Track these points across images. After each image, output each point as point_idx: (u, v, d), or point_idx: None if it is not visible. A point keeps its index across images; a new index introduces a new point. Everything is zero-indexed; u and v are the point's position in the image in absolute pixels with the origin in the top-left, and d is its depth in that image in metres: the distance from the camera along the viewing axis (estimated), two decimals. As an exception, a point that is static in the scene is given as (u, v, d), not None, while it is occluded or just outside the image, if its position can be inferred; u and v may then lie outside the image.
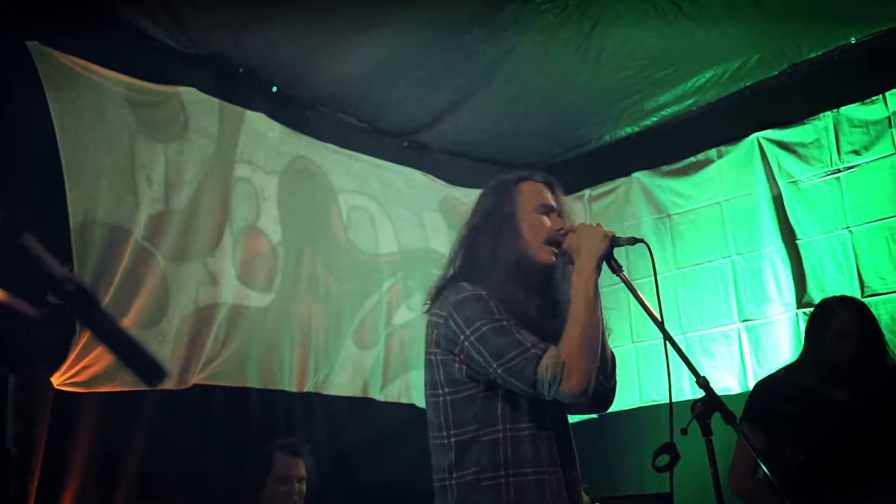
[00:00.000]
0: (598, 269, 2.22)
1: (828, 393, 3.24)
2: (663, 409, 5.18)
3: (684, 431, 1.99)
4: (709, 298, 5.39)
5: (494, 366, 2.13)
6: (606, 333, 2.38)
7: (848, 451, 3.09)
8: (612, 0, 4.35)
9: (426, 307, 2.37)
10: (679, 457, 2.01)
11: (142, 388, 3.97)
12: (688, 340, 5.38)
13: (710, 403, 2.00)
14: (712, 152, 5.50)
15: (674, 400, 2.14)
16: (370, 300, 5.17)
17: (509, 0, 4.31)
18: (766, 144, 5.22)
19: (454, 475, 2.18)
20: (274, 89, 4.98)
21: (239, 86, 4.78)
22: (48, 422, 3.63)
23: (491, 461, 2.16)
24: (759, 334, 5.10)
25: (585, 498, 4.91)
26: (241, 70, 4.78)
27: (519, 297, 2.25)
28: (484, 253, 2.32)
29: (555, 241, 2.31)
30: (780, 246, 5.06)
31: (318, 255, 4.95)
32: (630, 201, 5.85)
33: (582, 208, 6.07)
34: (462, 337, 2.18)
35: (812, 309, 4.72)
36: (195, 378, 4.23)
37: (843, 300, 3.44)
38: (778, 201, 5.11)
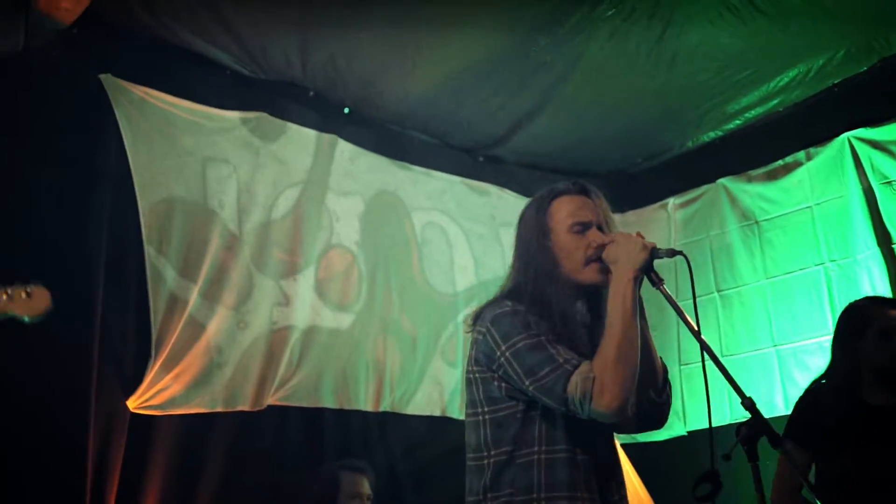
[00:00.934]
0: (637, 282, 2.10)
1: (871, 399, 3.04)
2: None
3: (727, 457, 1.85)
4: (802, 309, 5.12)
5: (527, 383, 2.06)
6: (653, 344, 2.26)
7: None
8: (681, 1, 4.20)
9: (467, 326, 2.30)
10: (721, 486, 1.86)
11: (217, 409, 4.05)
12: (780, 354, 5.12)
13: (757, 426, 1.86)
14: (800, 154, 5.24)
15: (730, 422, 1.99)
16: (449, 324, 5.14)
17: (574, 8, 4.22)
18: (857, 144, 4.93)
19: (488, 496, 2.11)
20: (346, 111, 5.01)
21: (310, 109, 4.83)
22: (125, 445, 3.71)
23: (525, 483, 2.09)
24: (858, 345, 4.80)
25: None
26: (311, 93, 4.83)
27: (563, 315, 2.17)
28: (526, 279, 2.25)
29: (597, 258, 2.21)
30: (876, 251, 4.76)
31: (392, 282, 4.93)
32: (716, 209, 5.63)
33: (666, 217, 5.88)
34: (498, 353, 2.12)
35: None
36: (270, 399, 4.26)
37: (877, 300, 3.26)
38: (872, 204, 4.81)
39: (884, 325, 3.05)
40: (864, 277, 4.79)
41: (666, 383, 2.28)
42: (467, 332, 2.31)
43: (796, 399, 3.23)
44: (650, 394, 2.23)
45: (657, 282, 2.13)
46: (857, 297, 4.74)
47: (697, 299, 2.20)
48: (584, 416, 2.00)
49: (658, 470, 4.99)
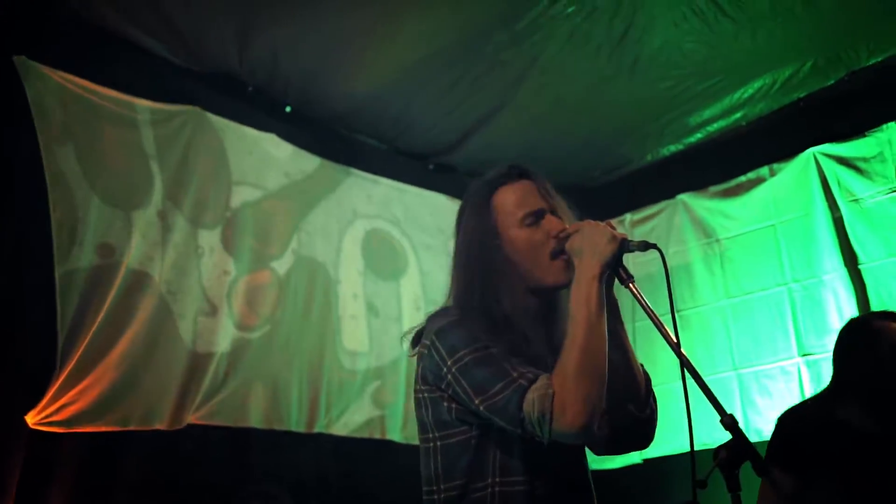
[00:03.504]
0: (603, 279, 1.78)
1: (868, 426, 2.73)
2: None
3: (702, 484, 1.54)
4: (764, 330, 4.89)
5: (477, 402, 1.73)
6: (632, 350, 1.92)
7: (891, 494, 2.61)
8: (644, 1, 3.96)
9: (409, 345, 1.97)
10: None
11: (130, 427, 3.67)
12: (741, 377, 4.88)
13: (739, 449, 1.55)
14: (764, 170, 5.03)
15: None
16: (391, 340, 4.80)
17: (532, 3, 3.96)
18: (822, 160, 4.74)
19: None
20: (287, 109, 4.69)
21: (248, 105, 4.50)
22: (20, 464, 3.31)
23: None
24: (822, 370, 4.55)
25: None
26: (250, 88, 4.51)
27: (520, 326, 1.85)
28: (472, 290, 1.90)
29: (561, 251, 1.88)
30: (843, 271, 4.55)
31: (330, 294, 4.60)
32: (675, 225, 5.39)
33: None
34: (444, 369, 1.79)
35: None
36: (191, 418, 3.88)
37: (887, 314, 2.92)
38: (838, 222, 4.62)
39: (891, 342, 2.75)
40: (830, 299, 4.58)
41: (649, 395, 1.94)
42: (411, 356, 1.96)
43: (776, 420, 2.94)
44: (630, 408, 1.90)
45: (626, 279, 1.81)
46: (822, 319, 4.58)
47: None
48: (544, 438, 1.67)
49: (613, 499, 4.68)
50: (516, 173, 1.99)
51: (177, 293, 3.96)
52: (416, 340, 1.94)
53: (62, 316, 3.56)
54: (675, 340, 1.71)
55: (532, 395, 1.67)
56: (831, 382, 2.86)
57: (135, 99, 4.07)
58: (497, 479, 1.78)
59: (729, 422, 1.58)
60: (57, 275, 3.59)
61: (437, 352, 1.81)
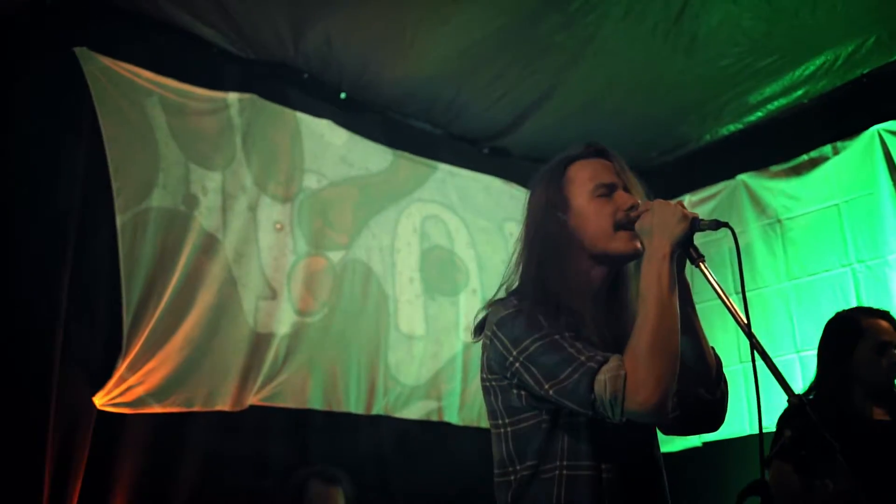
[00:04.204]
0: (674, 258, 1.78)
1: (868, 415, 2.83)
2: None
3: (768, 462, 1.52)
4: (828, 313, 4.74)
5: (546, 387, 1.74)
6: (703, 333, 1.92)
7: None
8: (701, -23, 3.90)
9: (474, 334, 1.99)
10: (772, 498, 1.54)
11: (194, 408, 3.76)
12: (803, 360, 4.79)
13: (806, 429, 1.53)
14: (827, 149, 4.90)
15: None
16: (447, 324, 4.83)
17: (586, -17, 3.93)
18: (887, 137, 4.60)
19: None
20: (342, 95, 4.73)
21: (303, 92, 4.55)
22: (89, 445, 3.41)
23: (544, 501, 1.78)
24: (886, 352, 4.47)
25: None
26: (305, 75, 4.56)
27: (581, 306, 1.85)
28: (531, 266, 1.91)
29: (628, 223, 1.88)
30: (909, 251, 4.44)
31: (387, 278, 4.64)
32: (735, 206, 5.29)
33: (682, 216, 5.55)
34: (510, 359, 1.80)
35: None
36: (252, 399, 3.96)
37: (870, 311, 3.07)
38: (904, 201, 4.50)
39: (877, 340, 2.90)
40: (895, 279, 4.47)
41: (720, 378, 1.94)
42: (475, 341, 1.99)
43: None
44: (700, 391, 1.90)
45: (696, 258, 1.80)
46: (887, 300, 4.47)
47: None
48: (616, 418, 1.68)
49: (671, 483, 4.65)
50: (593, 151, 2.00)
51: (240, 277, 4.03)
52: (479, 329, 1.96)
53: (127, 300, 3.65)
54: (746, 321, 1.69)
55: (603, 377, 1.67)
56: (822, 378, 2.95)
57: (194, 88, 4.14)
58: (564, 463, 1.80)
59: (797, 402, 1.56)
60: (120, 222, 3.68)
61: (501, 342, 1.82)
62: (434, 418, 4.63)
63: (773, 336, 4.92)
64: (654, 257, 1.77)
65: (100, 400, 3.50)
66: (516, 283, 1.96)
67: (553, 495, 1.77)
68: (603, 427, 1.77)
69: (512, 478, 1.84)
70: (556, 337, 1.76)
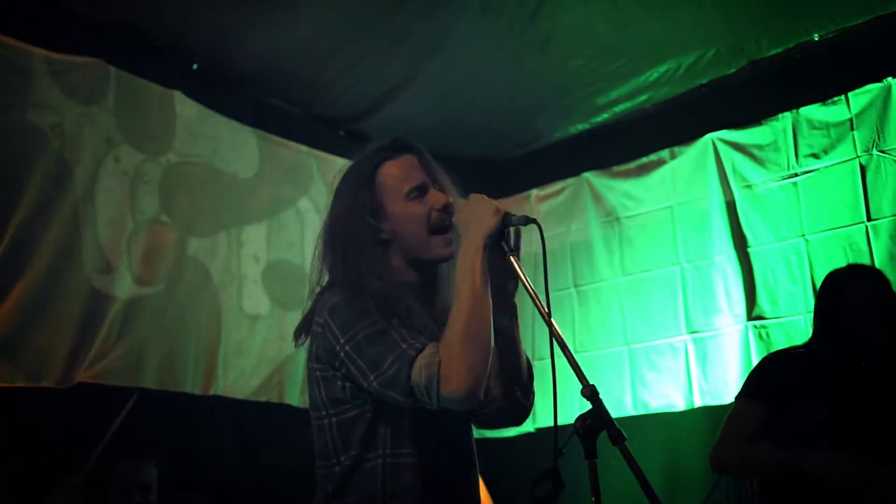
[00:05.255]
0: (486, 249, 1.82)
1: (851, 363, 2.93)
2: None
3: (560, 452, 1.62)
4: (657, 308, 5.06)
5: (371, 378, 1.75)
6: (520, 343, 2.00)
7: (876, 415, 2.81)
8: (557, -22, 4.02)
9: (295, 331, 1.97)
10: (563, 484, 1.63)
11: (15, 384, 3.58)
12: (633, 353, 5.06)
13: (597, 418, 1.62)
14: (665, 153, 5.18)
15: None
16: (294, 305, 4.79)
17: (445, -26, 3.98)
18: (720, 146, 4.91)
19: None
20: (194, 66, 4.59)
21: (153, 60, 4.38)
22: None
23: (368, 491, 1.81)
24: (708, 347, 4.78)
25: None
26: (156, 42, 4.38)
27: (405, 306, 1.86)
28: (347, 270, 1.90)
29: (443, 224, 1.93)
30: (732, 254, 4.75)
31: (232, 257, 4.55)
32: (578, 203, 5.51)
33: (529, 209, 5.71)
34: (338, 347, 1.80)
35: (762, 321, 4.52)
36: (81, 376, 3.80)
37: (856, 269, 3.14)
38: (731, 206, 4.81)
39: (861, 299, 2.93)
40: (719, 280, 4.77)
41: (531, 382, 2.04)
42: (298, 346, 1.95)
43: (758, 361, 3.23)
44: (517, 393, 1.99)
45: (508, 252, 1.86)
46: (711, 299, 4.77)
47: (554, 294, 1.96)
48: (432, 405, 1.72)
49: (505, 467, 4.81)
50: (398, 147, 1.99)
51: (72, 248, 3.87)
52: (303, 328, 1.95)
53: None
54: (548, 313, 1.77)
55: (419, 364, 1.71)
56: (813, 334, 3.05)
57: (32, 47, 3.92)
58: (388, 451, 1.83)
59: (589, 393, 1.65)
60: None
61: (331, 331, 1.82)
62: (274, 399, 4.59)
63: (606, 329, 5.17)
64: (468, 250, 1.82)
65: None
66: (329, 279, 1.95)
67: (377, 484, 1.81)
68: (423, 415, 1.81)
69: (336, 469, 1.85)
70: (383, 325, 1.78)
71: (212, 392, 4.30)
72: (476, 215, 1.84)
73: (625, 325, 5.12)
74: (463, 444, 1.98)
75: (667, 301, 4.97)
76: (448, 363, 1.70)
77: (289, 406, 4.63)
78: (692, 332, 4.84)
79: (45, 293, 3.73)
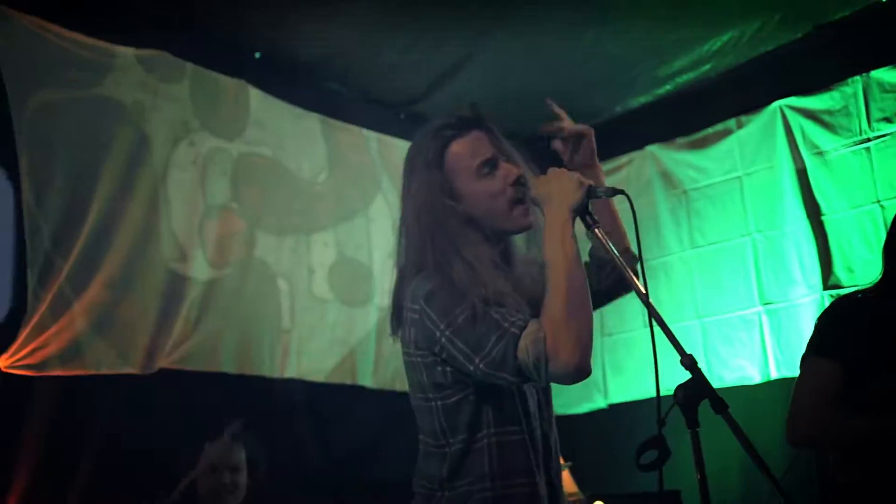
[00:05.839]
0: (573, 222, 1.82)
1: None
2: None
3: (662, 422, 1.62)
4: (728, 281, 5.00)
5: (476, 361, 1.76)
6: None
7: None
8: (614, -51, 3.97)
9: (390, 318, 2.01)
10: (670, 452, 1.63)
11: (103, 371, 3.70)
12: (704, 326, 5.00)
13: (697, 388, 1.62)
14: (731, 122, 5.09)
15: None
16: (361, 290, 4.85)
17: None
18: (789, 113, 4.81)
19: (444, 486, 1.87)
20: (256, 55, 4.65)
21: (215, 50, 4.46)
22: (-8, 408, 3.33)
23: (479, 472, 1.85)
24: (782, 319, 4.70)
25: (581, 496, 4.55)
26: (217, 34, 4.45)
27: (488, 282, 1.85)
28: (434, 252, 1.89)
29: (520, 196, 1.93)
30: (805, 223, 4.65)
31: (300, 244, 4.62)
32: (643, 177, 5.45)
33: (592, 185, 5.68)
34: (438, 333, 1.81)
35: (839, 290, 4.42)
36: (162, 362, 3.91)
37: None
38: (802, 174, 4.70)
39: None
40: (792, 250, 4.68)
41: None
42: (392, 335, 2.00)
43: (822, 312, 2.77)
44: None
45: (592, 224, 1.85)
46: (784, 270, 4.69)
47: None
48: (542, 382, 1.75)
49: (579, 443, 4.81)
50: (464, 125, 1.98)
51: (147, 238, 3.97)
52: (396, 317, 1.98)
53: (31, 259, 3.54)
54: (644, 288, 1.77)
55: (524, 342, 1.71)
56: (883, 275, 2.65)
57: (101, 42, 4.01)
58: (493, 430, 1.86)
59: (688, 362, 1.64)
60: (26, 217, 3.56)
61: (429, 317, 1.83)
62: (348, 381, 4.65)
63: (676, 302, 5.11)
64: (556, 225, 1.82)
65: (4, 361, 3.41)
66: (413, 260, 1.94)
67: (486, 463, 1.84)
68: (521, 390, 1.85)
69: (446, 450, 1.88)
70: (481, 306, 1.78)
71: (287, 375, 4.38)
72: (560, 188, 1.84)
73: (695, 299, 5.06)
74: (550, 412, 2.01)
75: (738, 273, 4.90)
76: (554, 338, 1.70)
77: (361, 387, 4.70)
78: (766, 304, 4.77)
79: (130, 269, 3.85)
